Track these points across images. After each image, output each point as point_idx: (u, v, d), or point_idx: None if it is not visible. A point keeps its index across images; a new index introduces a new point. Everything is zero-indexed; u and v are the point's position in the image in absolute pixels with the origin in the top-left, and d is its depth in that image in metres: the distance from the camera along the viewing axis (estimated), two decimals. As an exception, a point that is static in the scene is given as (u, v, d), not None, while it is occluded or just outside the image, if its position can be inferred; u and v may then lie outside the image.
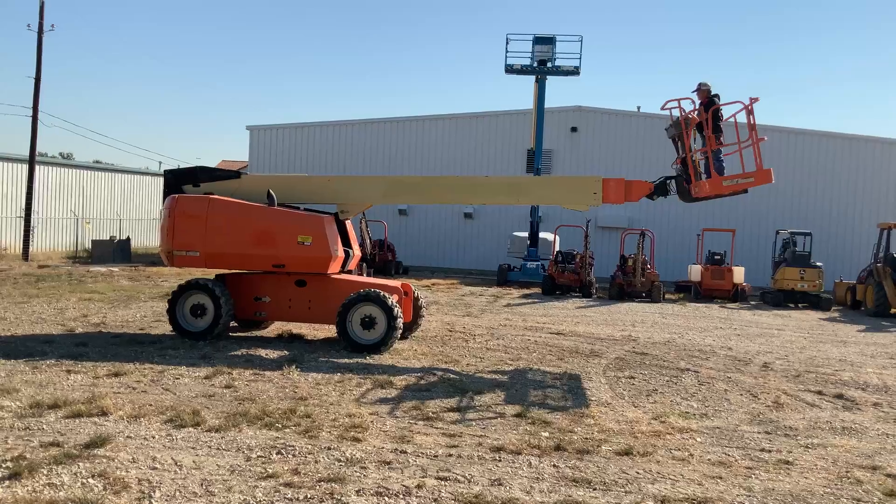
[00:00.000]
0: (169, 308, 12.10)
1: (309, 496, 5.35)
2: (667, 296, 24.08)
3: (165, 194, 12.69)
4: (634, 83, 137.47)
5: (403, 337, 12.90)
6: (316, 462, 6.12)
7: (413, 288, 13.02)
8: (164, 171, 13.24)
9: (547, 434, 7.39)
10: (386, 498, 5.40)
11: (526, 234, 28.02)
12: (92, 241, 31.09)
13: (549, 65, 26.47)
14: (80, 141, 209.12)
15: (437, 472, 6.01)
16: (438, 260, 33.94)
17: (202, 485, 5.51)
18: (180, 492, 5.37)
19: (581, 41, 26.67)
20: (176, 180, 12.83)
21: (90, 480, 5.48)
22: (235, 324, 13.43)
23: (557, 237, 27.50)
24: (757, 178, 11.39)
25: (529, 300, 21.65)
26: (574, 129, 33.45)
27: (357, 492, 5.48)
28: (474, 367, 10.92)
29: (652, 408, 8.83)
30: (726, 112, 12.20)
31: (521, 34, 26.95)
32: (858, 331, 17.91)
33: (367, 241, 27.98)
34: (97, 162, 43.03)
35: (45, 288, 19.01)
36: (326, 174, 32.13)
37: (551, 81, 27.03)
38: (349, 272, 13.35)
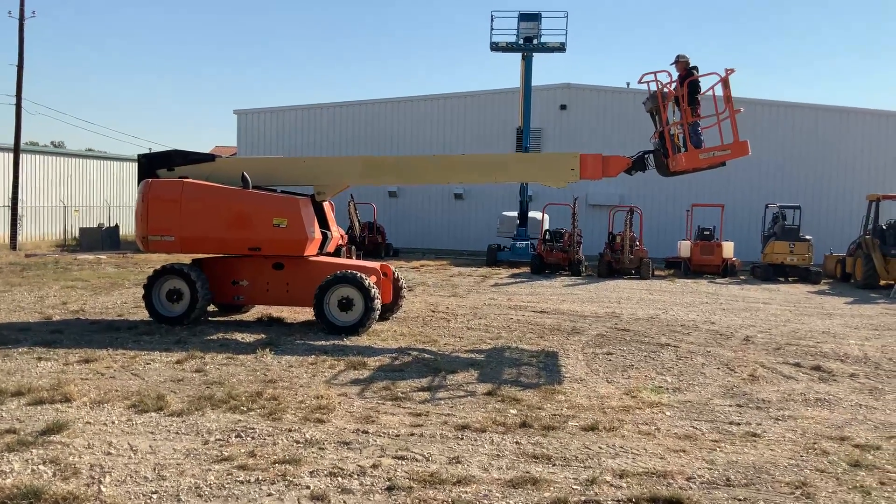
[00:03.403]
0: (145, 294, 12.01)
1: (261, 478, 5.28)
2: (656, 272, 24.00)
3: (140, 179, 12.56)
4: (624, 60, 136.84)
5: (384, 318, 12.84)
6: (274, 444, 6.05)
7: (392, 269, 12.93)
8: (138, 155, 13.08)
9: (515, 411, 7.33)
10: (339, 478, 5.33)
11: (515, 214, 27.87)
12: (80, 229, 30.98)
13: (535, 42, 26.18)
14: (72, 130, 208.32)
15: (396, 451, 5.95)
16: (429, 241, 33.81)
17: (155, 469, 5.44)
18: (131, 477, 5.30)
19: (567, 17, 26.44)
20: (150, 164, 12.69)
21: (40, 467, 5.41)
22: (216, 308, 13.37)
23: (546, 216, 27.36)
24: (733, 151, 11.27)
25: (517, 280, 21.56)
26: (563, 107, 33.21)
27: (311, 473, 5.41)
28: (452, 347, 10.84)
29: (625, 383, 8.77)
30: (704, 85, 12.06)
31: (506, 11, 26.72)
32: (846, 303, 17.85)
33: (356, 223, 27.88)
34: (89, 150, 42.79)
35: (29, 276, 18.91)
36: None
37: (540, 59, 26.78)
38: (329, 254, 13.27)
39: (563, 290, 19.10)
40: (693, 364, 9.99)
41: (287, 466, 5.50)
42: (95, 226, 31.67)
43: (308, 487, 5.15)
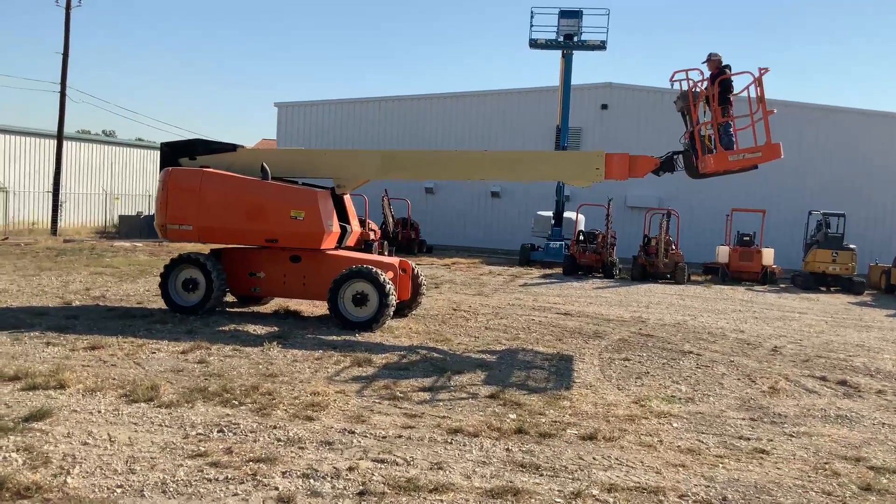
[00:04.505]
0: (161, 282, 11.98)
1: (230, 476, 5.10)
2: (693, 277, 23.43)
3: (162, 167, 12.54)
4: (668, 60, 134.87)
5: (402, 315, 12.65)
6: (254, 441, 5.88)
7: (412, 265, 12.72)
8: (161, 143, 13.07)
9: (514, 416, 7.06)
10: (311, 480, 5.13)
11: (550, 214, 27.50)
12: (119, 216, 31.43)
13: (575, 39, 25.76)
14: (123, 120, 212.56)
15: (378, 453, 5.72)
16: (464, 239, 33.56)
17: (127, 462, 5.30)
18: (101, 469, 5.16)
19: (608, 15, 25.95)
20: (173, 153, 12.66)
21: (13, 454, 5.31)
22: (235, 299, 13.32)
23: (581, 216, 26.92)
24: (765, 154, 10.81)
25: (548, 280, 21.20)
26: (604, 107, 32.70)
27: (283, 473, 5.21)
28: (464, 347, 10.59)
29: (637, 391, 8.43)
30: (738, 85, 11.60)
31: (546, 8, 26.38)
32: (887, 315, 17.15)
33: (390, 219, 27.79)
34: (140, 140, 43.46)
35: (61, 262, 19.15)
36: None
37: (580, 58, 26.35)
38: (349, 248, 13.12)
39: (593, 292, 18.70)
40: (713, 373, 9.59)
41: (261, 465, 5.32)
42: (135, 213, 32.10)
43: (277, 489, 4.95)
